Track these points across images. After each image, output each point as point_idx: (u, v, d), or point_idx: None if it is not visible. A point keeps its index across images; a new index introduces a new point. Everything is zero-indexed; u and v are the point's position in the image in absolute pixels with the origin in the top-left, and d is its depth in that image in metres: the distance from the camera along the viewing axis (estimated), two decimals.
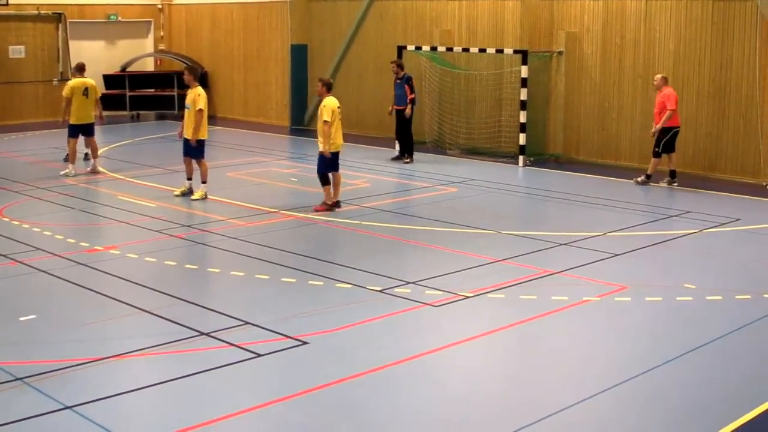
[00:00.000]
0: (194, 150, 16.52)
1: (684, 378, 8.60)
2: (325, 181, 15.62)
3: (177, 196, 16.58)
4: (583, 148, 21.39)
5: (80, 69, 19.21)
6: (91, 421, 7.43)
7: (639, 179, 18.23)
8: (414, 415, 7.75)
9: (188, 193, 16.67)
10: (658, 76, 18.07)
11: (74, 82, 18.90)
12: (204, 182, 16.64)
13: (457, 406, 7.95)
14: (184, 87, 16.56)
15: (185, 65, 18.44)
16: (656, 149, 17.92)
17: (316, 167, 15.89)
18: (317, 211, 15.44)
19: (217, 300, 10.81)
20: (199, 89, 16.47)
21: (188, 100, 16.47)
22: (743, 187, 18.16)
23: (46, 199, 16.52)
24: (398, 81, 21.14)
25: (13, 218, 14.87)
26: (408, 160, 21.19)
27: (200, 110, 16.28)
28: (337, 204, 15.70)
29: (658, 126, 17.68)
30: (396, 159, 21.44)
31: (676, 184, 18.08)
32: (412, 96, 21.04)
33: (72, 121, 18.78)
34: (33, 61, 28.16)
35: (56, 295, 11.06)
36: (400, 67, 21.25)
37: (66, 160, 19.31)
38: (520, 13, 21.79)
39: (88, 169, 19.15)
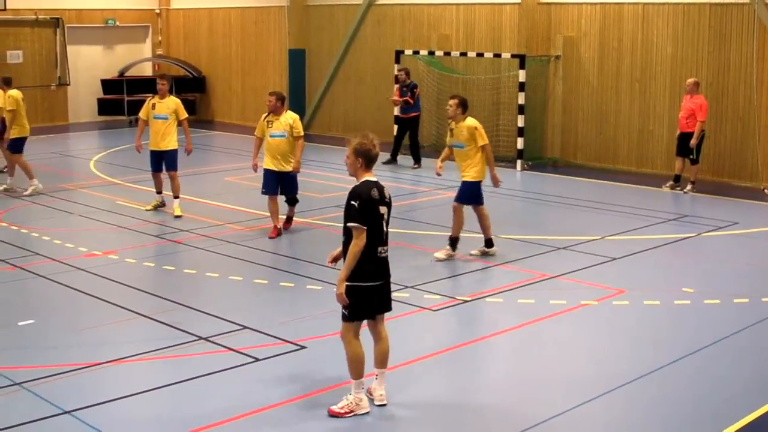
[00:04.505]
0: (174, 162, 15.66)
1: (683, 382, 8.61)
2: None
3: (148, 210, 15.77)
4: (580, 152, 21.41)
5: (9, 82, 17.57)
6: (89, 425, 7.43)
7: (687, 189, 17.93)
8: (412, 420, 7.75)
9: (160, 206, 15.89)
10: (691, 80, 17.94)
11: (18, 93, 17.35)
12: (178, 197, 15.64)
13: (456, 411, 7.96)
14: (181, 92, 15.92)
15: (160, 74, 17.01)
16: (692, 157, 17.88)
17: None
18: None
19: (215, 304, 10.80)
20: (175, 97, 15.82)
21: (167, 110, 15.42)
22: (741, 191, 18.17)
23: (45, 204, 16.52)
24: (404, 88, 21.29)
25: (12, 223, 14.87)
26: (416, 165, 21.29)
27: (186, 119, 15.71)
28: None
29: (694, 142, 17.60)
30: (388, 162, 21.31)
31: (679, 188, 18.09)
32: (405, 98, 21.16)
33: (22, 134, 17.40)
34: (31, 66, 28.13)
35: (54, 300, 11.06)
36: (407, 74, 21.44)
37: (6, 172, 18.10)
38: (518, 18, 21.82)
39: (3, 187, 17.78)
